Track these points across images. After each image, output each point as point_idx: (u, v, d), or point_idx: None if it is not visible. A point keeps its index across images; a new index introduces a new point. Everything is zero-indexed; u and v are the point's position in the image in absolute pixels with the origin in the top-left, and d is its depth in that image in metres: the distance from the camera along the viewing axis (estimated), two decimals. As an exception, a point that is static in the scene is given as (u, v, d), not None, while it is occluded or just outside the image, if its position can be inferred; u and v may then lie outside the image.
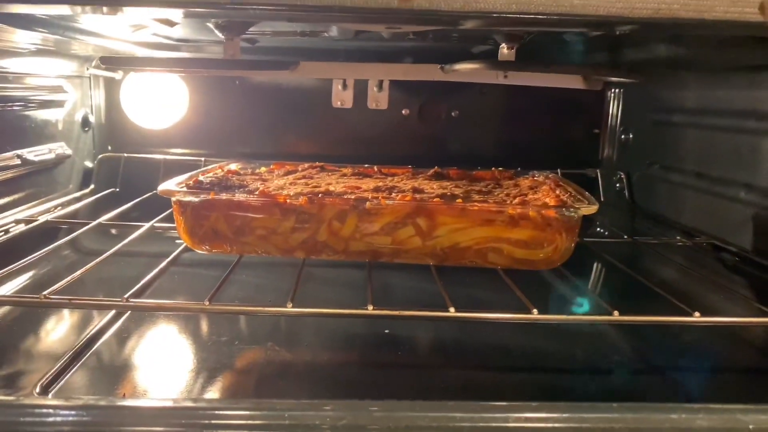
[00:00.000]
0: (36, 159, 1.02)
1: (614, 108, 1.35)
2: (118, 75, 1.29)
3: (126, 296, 0.65)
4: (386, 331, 0.79)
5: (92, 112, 1.28)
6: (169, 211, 0.92)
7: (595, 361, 0.76)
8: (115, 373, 0.69)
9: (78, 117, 1.22)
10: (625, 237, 1.04)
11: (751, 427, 0.46)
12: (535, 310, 0.64)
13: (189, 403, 0.49)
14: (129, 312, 0.80)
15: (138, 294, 0.68)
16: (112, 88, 1.32)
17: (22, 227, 0.94)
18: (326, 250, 0.78)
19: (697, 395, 0.67)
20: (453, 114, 1.38)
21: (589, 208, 0.74)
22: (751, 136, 0.91)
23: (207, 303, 0.64)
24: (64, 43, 1.04)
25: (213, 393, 0.65)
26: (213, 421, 0.46)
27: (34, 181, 1.05)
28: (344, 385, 0.68)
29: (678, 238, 1.03)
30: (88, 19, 0.84)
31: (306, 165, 1.04)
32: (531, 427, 0.47)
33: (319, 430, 0.46)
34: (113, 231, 1.06)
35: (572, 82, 0.90)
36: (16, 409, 0.48)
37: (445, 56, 1.10)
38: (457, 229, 0.75)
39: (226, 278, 0.72)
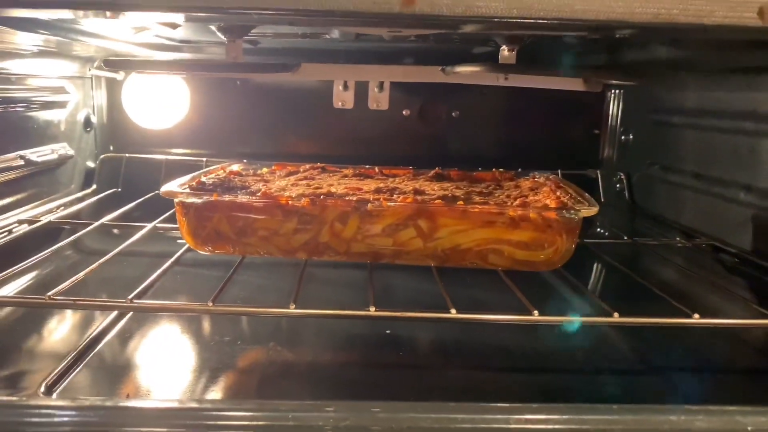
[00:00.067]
0: (39, 160, 1.03)
1: (614, 108, 1.36)
2: (119, 76, 1.29)
3: (130, 297, 0.65)
4: (387, 331, 0.79)
5: (94, 113, 1.28)
6: (172, 211, 0.92)
7: (594, 361, 0.76)
8: (118, 373, 0.70)
9: (80, 117, 1.23)
10: (625, 238, 1.04)
11: (750, 428, 0.47)
12: (535, 312, 0.65)
13: (193, 404, 0.49)
14: (132, 312, 0.81)
15: (141, 295, 0.68)
16: (113, 88, 1.32)
17: (25, 227, 0.94)
18: (328, 251, 0.79)
19: (696, 396, 0.67)
20: (453, 114, 1.38)
21: (590, 210, 0.75)
22: (750, 137, 0.91)
23: (211, 304, 0.65)
24: (65, 45, 1.04)
25: (216, 393, 0.66)
26: (217, 422, 0.47)
27: (37, 181, 1.06)
28: (346, 385, 0.68)
29: (678, 239, 1.03)
30: (90, 21, 0.84)
31: (307, 166, 1.04)
32: (531, 428, 0.48)
33: (321, 431, 0.46)
34: (115, 231, 1.06)
35: (572, 84, 0.90)
36: (23, 409, 0.48)
37: (446, 57, 1.10)
38: (458, 231, 0.76)
39: (229, 279, 0.73)
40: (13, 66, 0.97)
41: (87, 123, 1.25)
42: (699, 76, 1.03)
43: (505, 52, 0.86)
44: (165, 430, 0.47)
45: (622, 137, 1.33)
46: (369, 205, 0.76)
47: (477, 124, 1.40)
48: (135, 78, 1.30)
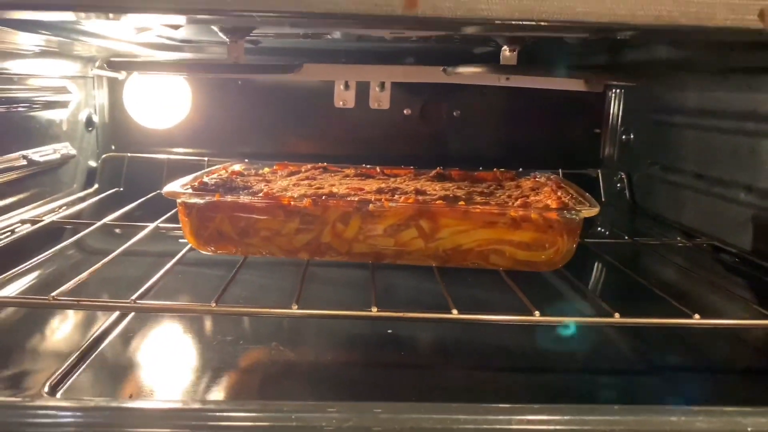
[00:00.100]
0: (41, 159, 1.03)
1: (615, 108, 1.36)
2: (121, 75, 1.29)
3: (133, 298, 0.65)
4: (389, 331, 0.80)
5: (96, 112, 1.28)
6: (174, 211, 0.92)
7: (595, 361, 0.76)
8: (121, 372, 0.70)
9: (82, 117, 1.23)
10: (626, 237, 1.05)
11: (750, 429, 0.47)
12: (537, 312, 0.65)
13: (197, 405, 0.50)
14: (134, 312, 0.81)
15: (144, 295, 0.68)
16: (115, 88, 1.32)
17: (27, 227, 0.94)
18: (330, 251, 0.79)
19: (696, 396, 0.67)
20: (454, 114, 1.39)
21: (591, 211, 0.75)
22: (750, 137, 0.91)
23: (214, 305, 0.65)
24: (67, 45, 1.04)
25: (218, 392, 0.66)
26: (220, 423, 0.47)
27: (39, 181, 1.06)
28: (348, 385, 0.69)
29: (678, 238, 1.03)
30: (92, 22, 0.84)
31: (309, 166, 1.05)
32: (533, 429, 0.48)
33: (324, 432, 0.47)
34: (117, 230, 1.07)
35: (573, 84, 0.91)
36: (27, 410, 0.49)
37: (447, 57, 1.11)
38: (460, 231, 0.76)
39: (231, 280, 0.73)
40: (15, 66, 0.97)
41: (89, 122, 1.25)
42: (699, 76, 1.04)
43: (506, 53, 0.86)
44: (169, 430, 0.48)
45: (623, 137, 1.33)
46: (371, 205, 0.76)
47: (478, 123, 1.40)
48: (137, 78, 1.31)
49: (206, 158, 1.30)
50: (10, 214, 0.96)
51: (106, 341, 0.75)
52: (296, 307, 0.65)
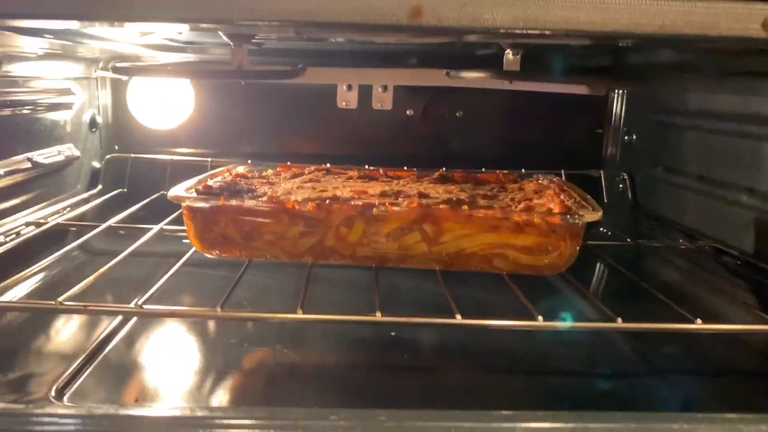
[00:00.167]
0: (46, 162, 1.04)
1: (618, 108, 1.36)
2: (125, 76, 1.29)
3: (140, 303, 0.66)
4: (392, 333, 0.80)
5: (99, 113, 1.29)
6: (178, 212, 0.93)
7: (597, 364, 0.77)
8: (127, 375, 0.70)
9: (85, 118, 1.23)
10: (629, 240, 1.05)
11: (751, 437, 0.48)
12: (540, 317, 0.66)
13: (204, 413, 0.50)
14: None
15: (150, 299, 0.69)
16: (118, 88, 1.33)
17: (32, 230, 0.95)
18: (334, 255, 0.79)
19: (699, 400, 0.68)
20: (457, 114, 1.39)
21: (594, 215, 0.75)
22: (752, 140, 0.92)
23: (219, 310, 0.65)
24: (70, 47, 1.04)
25: (223, 395, 0.66)
26: (226, 431, 0.48)
27: (43, 182, 1.07)
28: (352, 388, 0.69)
29: (680, 240, 1.04)
30: (96, 28, 0.84)
31: (312, 168, 1.05)
32: (537, 436, 0.49)
33: (329, 438, 0.47)
34: (122, 231, 1.07)
35: (576, 88, 0.91)
36: (34, 417, 0.49)
37: (450, 58, 1.11)
38: (463, 236, 0.76)
39: (236, 284, 0.74)
40: (19, 69, 0.98)
41: (92, 123, 1.25)
42: (702, 79, 1.04)
43: (509, 56, 0.87)
44: (176, 437, 0.48)
45: (625, 137, 1.33)
46: (374, 209, 0.76)
47: (480, 123, 1.40)
48: (140, 78, 1.31)
49: (209, 159, 1.30)
50: (15, 216, 0.97)
51: (112, 344, 0.75)
52: (301, 312, 0.65)
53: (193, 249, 0.84)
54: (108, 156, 1.30)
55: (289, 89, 1.37)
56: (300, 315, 0.65)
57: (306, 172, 1.03)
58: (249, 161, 1.10)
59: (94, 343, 0.74)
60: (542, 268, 0.78)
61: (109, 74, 1.25)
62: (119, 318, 0.80)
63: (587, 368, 0.76)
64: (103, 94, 1.30)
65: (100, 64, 1.23)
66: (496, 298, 0.83)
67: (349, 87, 1.22)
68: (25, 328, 0.79)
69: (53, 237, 0.98)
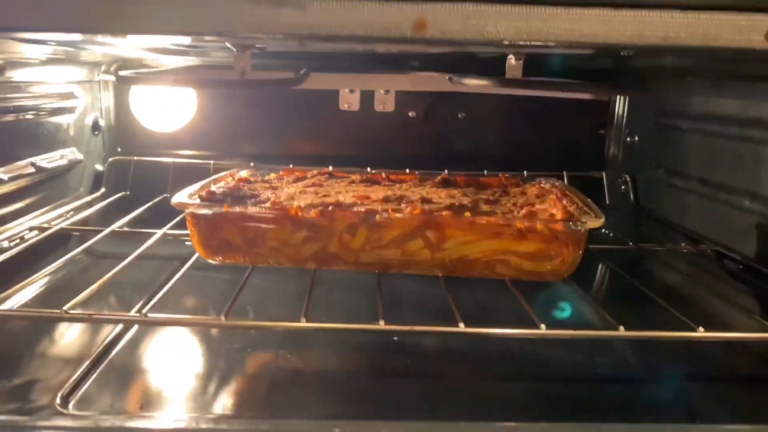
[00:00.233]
0: (49, 166, 1.04)
1: (620, 109, 1.36)
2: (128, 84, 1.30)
3: (144, 311, 0.66)
4: (395, 338, 0.80)
5: (102, 116, 1.29)
6: (181, 215, 0.93)
7: (600, 369, 0.77)
8: (131, 381, 0.70)
9: (88, 121, 1.23)
10: (630, 243, 1.05)
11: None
12: (543, 326, 0.66)
13: (210, 425, 0.50)
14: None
15: (154, 306, 0.69)
16: (121, 91, 1.33)
17: (36, 234, 0.95)
18: (337, 261, 0.80)
19: (701, 406, 0.68)
20: (459, 116, 1.39)
21: (596, 222, 0.75)
22: (755, 144, 0.92)
23: (223, 318, 0.66)
24: (73, 52, 1.05)
25: (227, 400, 0.67)
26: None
27: (47, 187, 1.07)
28: (355, 393, 0.69)
29: (683, 244, 1.04)
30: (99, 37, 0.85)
31: (315, 171, 1.05)
32: (540, 447, 0.49)
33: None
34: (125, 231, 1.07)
35: (579, 94, 0.91)
36: (40, 430, 0.50)
37: (452, 61, 1.11)
38: (466, 242, 0.77)
39: (239, 291, 0.74)
40: (21, 74, 0.98)
41: (95, 126, 1.26)
42: (705, 83, 1.04)
43: (512, 61, 0.86)
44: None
45: (628, 139, 1.33)
46: (377, 216, 0.77)
47: (482, 125, 1.40)
48: (142, 81, 1.31)
49: (212, 161, 1.30)
50: (19, 221, 0.97)
51: (115, 350, 0.75)
52: (305, 320, 0.66)
53: (197, 255, 0.85)
54: (111, 159, 1.31)
55: (291, 91, 1.36)
56: (303, 324, 0.66)
57: (309, 176, 1.03)
58: (251, 163, 1.10)
59: (99, 348, 0.74)
60: (545, 275, 0.78)
61: (112, 77, 1.25)
62: (121, 324, 0.80)
63: (589, 372, 0.77)
64: (105, 97, 1.30)
65: (103, 68, 1.23)
66: (500, 302, 0.83)
67: (352, 90, 1.22)
68: (29, 332, 0.79)
69: (57, 240, 0.98)
